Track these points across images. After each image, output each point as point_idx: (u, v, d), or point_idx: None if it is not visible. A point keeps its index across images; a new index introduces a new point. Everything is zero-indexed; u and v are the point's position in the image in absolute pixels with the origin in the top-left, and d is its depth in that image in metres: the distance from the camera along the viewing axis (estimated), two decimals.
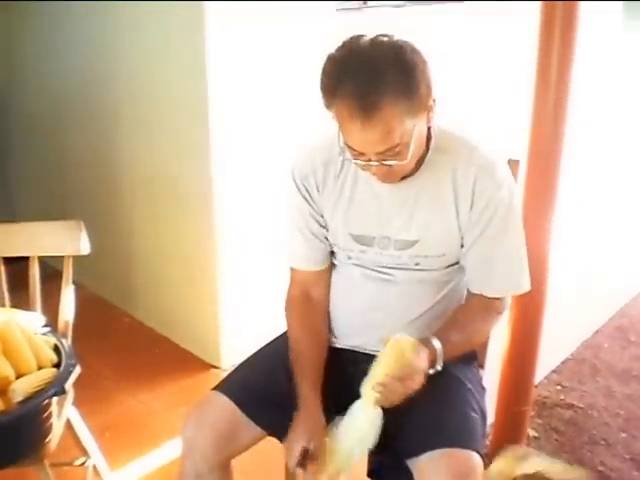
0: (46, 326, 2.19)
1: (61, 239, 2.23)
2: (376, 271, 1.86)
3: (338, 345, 1.95)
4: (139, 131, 3.45)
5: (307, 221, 1.90)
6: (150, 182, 3.50)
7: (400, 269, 1.84)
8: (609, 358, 3.69)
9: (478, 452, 1.67)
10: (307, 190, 1.87)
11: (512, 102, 3.11)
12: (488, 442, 2.83)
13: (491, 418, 2.77)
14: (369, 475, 1.82)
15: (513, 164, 2.02)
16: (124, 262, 3.90)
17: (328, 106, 1.59)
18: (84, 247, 2.23)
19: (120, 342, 3.71)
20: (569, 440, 2.96)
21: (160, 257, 3.62)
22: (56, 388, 1.91)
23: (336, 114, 1.58)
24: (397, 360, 1.64)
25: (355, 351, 1.92)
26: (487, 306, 1.84)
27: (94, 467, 2.54)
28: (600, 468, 2.78)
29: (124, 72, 3.38)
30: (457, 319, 1.83)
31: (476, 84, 3.83)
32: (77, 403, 2.34)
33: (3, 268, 2.34)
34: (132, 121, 3.47)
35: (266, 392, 1.86)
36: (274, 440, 1.87)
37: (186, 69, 3.00)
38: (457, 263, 1.85)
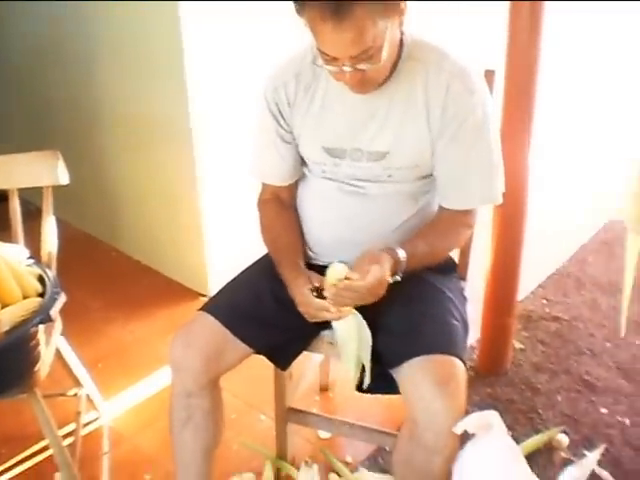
0: (30, 258, 2.19)
1: (38, 170, 2.20)
2: (350, 184, 1.86)
3: (316, 262, 1.96)
4: (117, 67, 3.39)
5: (276, 140, 1.90)
6: (129, 117, 3.46)
7: (373, 182, 1.83)
8: (594, 271, 3.72)
9: (460, 358, 1.69)
10: (277, 106, 1.86)
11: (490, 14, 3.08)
12: (476, 356, 2.88)
13: (477, 332, 2.82)
14: (357, 389, 1.85)
15: (488, 75, 2.00)
16: (108, 197, 3.89)
17: (299, 11, 1.55)
18: (62, 177, 2.21)
19: (108, 275, 3.73)
20: (555, 351, 3.00)
21: (143, 190, 3.61)
22: (42, 316, 1.92)
23: (307, 18, 1.55)
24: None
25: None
26: (456, 220, 1.85)
27: (87, 397, 2.58)
28: (586, 377, 2.82)
29: (102, 12, 3.31)
30: (425, 232, 1.84)
31: None
32: (67, 336, 2.38)
33: None
34: (110, 57, 3.41)
35: (251, 311, 1.87)
36: (260, 358, 1.91)
37: (160, 11, 2.94)
38: (432, 175, 1.84)
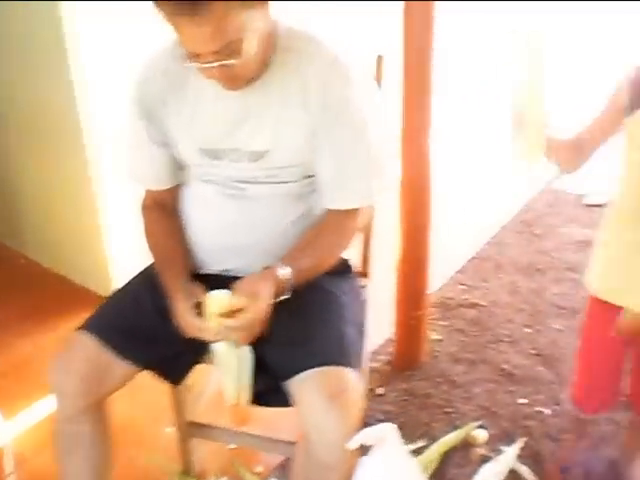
0: None
1: None
2: (231, 187, 1.73)
3: (202, 271, 1.83)
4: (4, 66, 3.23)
5: (148, 142, 1.77)
6: (22, 119, 3.30)
7: (255, 183, 1.71)
8: (513, 253, 3.66)
9: (353, 367, 1.60)
10: (147, 106, 1.72)
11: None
12: (389, 354, 2.80)
13: (392, 326, 2.73)
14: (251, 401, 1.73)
15: (378, 60, 1.91)
16: (10, 201, 3.71)
17: (156, 6, 1.42)
18: None
19: (13, 284, 3.53)
20: (473, 339, 2.93)
21: (44, 193, 3.43)
22: None
23: (165, 14, 1.42)
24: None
25: (221, 276, 1.80)
26: (340, 222, 1.72)
27: None
28: (504, 366, 2.75)
29: None
30: (308, 240, 1.71)
31: None
32: None
33: None
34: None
35: (133, 326, 1.75)
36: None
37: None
38: None
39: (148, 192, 1.88)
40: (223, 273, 1.80)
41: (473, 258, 3.61)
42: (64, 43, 2.74)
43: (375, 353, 2.83)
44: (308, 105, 1.60)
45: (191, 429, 2.15)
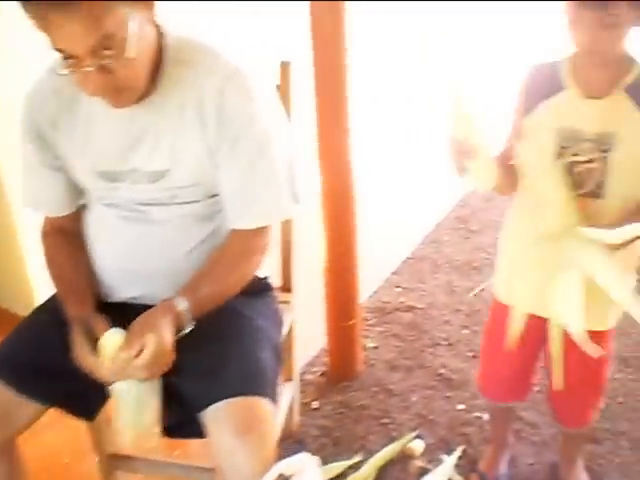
0: None
1: None
2: (132, 210, 1.62)
3: (110, 300, 1.73)
4: None
5: (42, 167, 1.65)
6: None
7: (157, 205, 1.61)
8: (450, 251, 3.60)
9: (266, 395, 1.52)
10: (38, 129, 1.60)
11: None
12: (325, 365, 2.72)
13: (323, 341, 2.65)
14: (163, 431, 1.63)
15: (284, 67, 1.82)
16: None
17: (27, 13, 1.30)
18: None
19: None
20: (410, 344, 2.85)
21: None
22: None
23: (32, 13, 1.29)
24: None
25: (129, 304, 1.69)
26: (246, 243, 1.62)
27: None
28: (441, 371, 2.68)
29: None
30: (210, 266, 1.61)
31: None
32: None
33: None
34: None
35: (37, 362, 1.63)
36: None
37: None
38: None
39: (47, 218, 1.76)
40: (131, 301, 1.70)
41: (408, 258, 3.54)
42: None
43: (309, 365, 2.75)
44: (206, 121, 1.50)
45: (114, 462, 2.05)
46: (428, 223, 3.85)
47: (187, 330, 1.50)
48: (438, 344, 2.85)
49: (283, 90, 1.83)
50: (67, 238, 1.72)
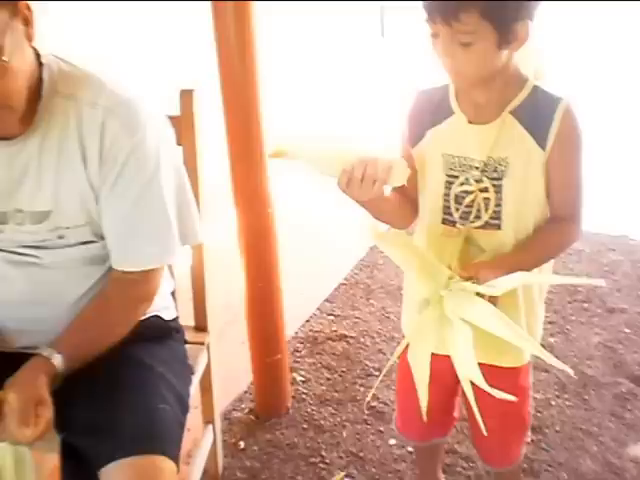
0: None
1: None
2: (18, 254, 1.51)
3: (6, 349, 1.61)
4: None
5: None
6: None
7: (44, 248, 1.50)
8: (384, 276, 3.52)
9: (167, 454, 1.41)
10: None
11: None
12: (253, 400, 2.60)
13: (249, 374, 2.54)
14: None
15: (186, 95, 1.72)
16: None
17: None
18: None
19: None
20: (341, 376, 2.75)
21: None
22: None
23: None
24: None
25: (25, 354, 1.57)
26: (128, 290, 1.52)
27: None
28: (373, 404, 2.58)
29: None
30: (89, 313, 1.51)
31: None
32: None
33: None
34: None
35: None
36: None
37: None
38: None
39: None
40: (24, 351, 1.58)
41: (342, 284, 3.45)
42: None
43: (237, 401, 2.63)
44: (87, 158, 1.41)
45: None
46: (361, 246, 3.76)
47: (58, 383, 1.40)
48: (370, 375, 2.75)
49: (186, 121, 1.73)
50: None
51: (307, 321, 3.12)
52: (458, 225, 1.55)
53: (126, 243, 1.48)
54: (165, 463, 1.39)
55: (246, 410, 2.60)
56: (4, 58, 1.24)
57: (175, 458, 1.43)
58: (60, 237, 1.48)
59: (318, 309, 3.23)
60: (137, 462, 1.37)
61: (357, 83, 4.29)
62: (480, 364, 1.42)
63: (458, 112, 1.51)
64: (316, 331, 3.05)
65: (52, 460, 1.52)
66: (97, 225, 1.48)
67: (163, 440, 1.43)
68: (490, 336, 1.39)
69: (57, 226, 1.46)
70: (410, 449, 2.35)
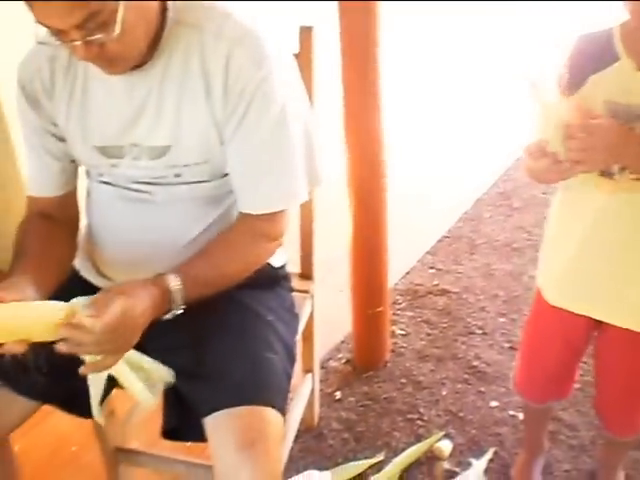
0: None
1: None
2: (133, 190, 1.46)
3: (103, 286, 1.57)
4: None
5: (41, 137, 1.48)
6: None
7: (160, 185, 1.44)
8: (489, 230, 3.40)
9: (274, 405, 1.36)
10: (35, 97, 1.44)
11: None
12: (352, 351, 2.55)
13: (349, 324, 2.49)
14: (164, 434, 1.49)
15: (305, 32, 1.64)
16: None
17: None
18: None
19: None
20: (442, 332, 2.67)
21: None
22: None
23: None
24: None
25: None
26: (253, 231, 1.45)
27: None
28: (475, 363, 2.50)
29: None
30: (212, 249, 1.43)
31: None
32: None
33: None
34: None
35: (28, 357, 1.49)
36: None
37: None
38: None
39: (33, 209, 1.56)
40: None
41: (445, 237, 3.34)
42: None
43: (334, 350, 2.60)
44: (211, 91, 1.33)
45: (118, 455, 1.93)
46: (467, 198, 3.64)
47: (175, 312, 1.34)
48: (472, 333, 2.67)
49: (303, 59, 1.65)
50: (49, 224, 1.54)
51: (407, 273, 3.04)
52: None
53: (251, 183, 1.41)
54: (272, 415, 1.34)
55: (343, 360, 2.56)
56: (114, 33, 1.18)
57: (282, 410, 1.38)
58: (177, 175, 1.42)
59: (419, 262, 3.14)
60: (243, 412, 1.32)
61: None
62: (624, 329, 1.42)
63: (624, 57, 1.39)
64: (417, 284, 2.97)
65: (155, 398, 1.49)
66: (217, 164, 1.41)
67: (271, 391, 1.39)
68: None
69: (175, 163, 1.40)
70: (512, 413, 2.28)
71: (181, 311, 1.34)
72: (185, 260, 1.40)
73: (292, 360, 1.54)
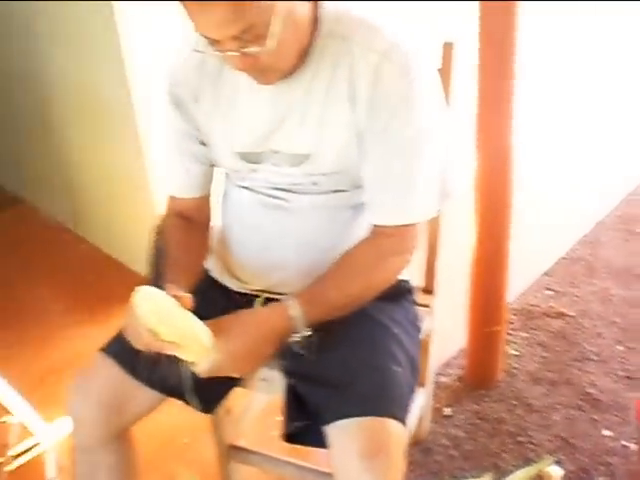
0: None
1: None
2: (271, 196, 1.52)
3: (235, 288, 1.63)
4: (61, 52, 3.15)
5: (185, 139, 1.56)
6: (81, 104, 3.21)
7: (298, 192, 1.50)
8: (608, 254, 3.32)
9: (397, 417, 1.39)
10: (181, 101, 1.52)
11: None
12: (463, 367, 2.54)
13: (463, 341, 2.48)
14: (285, 438, 1.53)
15: (447, 48, 1.66)
16: (74, 185, 3.61)
17: None
18: None
19: (74, 271, 3.41)
20: (556, 356, 2.64)
21: (103, 179, 3.33)
22: None
23: None
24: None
25: (257, 295, 1.59)
26: (384, 245, 1.47)
27: (21, 424, 2.32)
28: (589, 390, 2.46)
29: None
30: (339, 268, 1.47)
31: None
32: (21, 345, 2.39)
33: None
34: (52, 39, 3.17)
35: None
36: None
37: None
38: None
39: (173, 209, 1.65)
40: (260, 293, 1.60)
41: (562, 259, 3.29)
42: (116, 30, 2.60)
43: (446, 366, 2.59)
44: (356, 102, 1.36)
45: (231, 453, 1.98)
46: (587, 221, 3.57)
47: (303, 335, 1.40)
48: (588, 359, 2.62)
49: (444, 74, 1.66)
50: (188, 224, 1.63)
51: (523, 293, 3.01)
52: None
53: (385, 194, 1.43)
54: (395, 427, 1.37)
55: (454, 377, 2.55)
56: (268, 46, 1.23)
57: (404, 422, 1.41)
58: (314, 183, 1.46)
59: (535, 282, 3.10)
60: (367, 423, 1.35)
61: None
62: None
63: None
64: (532, 305, 2.94)
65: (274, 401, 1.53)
66: (354, 174, 1.45)
67: (395, 403, 1.41)
68: None
69: (314, 171, 1.44)
70: (624, 443, 2.23)
71: (309, 333, 1.39)
72: (311, 284, 1.45)
73: (415, 373, 1.56)
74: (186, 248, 1.54)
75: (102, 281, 3.28)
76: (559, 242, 3.37)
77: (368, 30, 1.37)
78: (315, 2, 1.35)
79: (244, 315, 1.40)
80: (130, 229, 3.25)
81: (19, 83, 3.60)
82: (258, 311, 1.43)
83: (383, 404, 1.39)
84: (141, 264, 3.15)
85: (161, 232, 1.58)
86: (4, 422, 2.29)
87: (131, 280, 3.16)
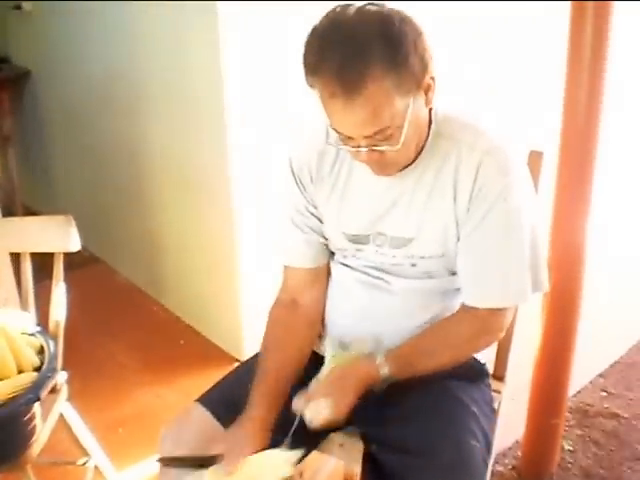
0: (39, 325, 2.10)
1: (51, 235, 2.14)
2: (371, 276, 1.68)
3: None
4: (162, 123, 3.37)
5: (304, 214, 1.73)
6: (173, 167, 3.40)
7: (396, 275, 1.65)
8: None
9: None
10: (303, 182, 1.70)
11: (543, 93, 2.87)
12: (518, 458, 2.63)
13: (521, 431, 2.58)
14: None
15: (535, 156, 1.82)
16: (154, 250, 3.79)
17: (311, 85, 1.41)
18: (74, 244, 2.12)
19: (147, 332, 3.58)
20: (608, 455, 2.71)
21: (186, 246, 3.50)
22: (30, 395, 1.81)
23: (318, 92, 1.40)
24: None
25: None
26: (474, 321, 1.62)
27: (96, 467, 2.45)
28: None
29: (145, 69, 3.34)
30: (429, 337, 1.64)
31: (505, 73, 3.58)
32: (94, 395, 2.48)
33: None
34: (155, 114, 3.41)
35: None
36: None
37: (203, 65, 2.91)
38: None
39: (287, 284, 1.81)
40: None
41: (617, 362, 3.38)
42: (222, 90, 2.82)
43: (501, 455, 2.68)
44: (459, 194, 1.54)
45: None
46: None
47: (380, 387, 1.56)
48: (639, 459, 2.69)
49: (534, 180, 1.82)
50: (296, 317, 1.77)
51: (579, 392, 3.09)
52: None
53: (480, 276, 1.59)
54: None
55: (509, 466, 2.64)
56: (398, 145, 1.42)
57: None
58: (413, 265, 1.62)
59: (590, 383, 3.19)
60: None
61: None
62: None
63: None
64: (587, 404, 3.02)
65: (354, 469, 1.64)
66: (450, 259, 1.61)
67: (471, 475, 1.52)
68: None
69: (414, 254, 1.61)
70: None
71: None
72: (401, 346, 1.61)
73: (490, 451, 1.66)
74: (285, 353, 1.71)
75: (171, 340, 3.48)
76: (615, 345, 3.46)
77: (474, 132, 1.56)
78: (430, 108, 1.54)
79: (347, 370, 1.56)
80: (209, 298, 3.42)
81: (121, 157, 3.83)
82: (357, 366, 1.58)
83: (461, 475, 1.50)
84: (212, 331, 3.31)
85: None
86: (84, 464, 2.41)
87: (194, 340, 3.35)
